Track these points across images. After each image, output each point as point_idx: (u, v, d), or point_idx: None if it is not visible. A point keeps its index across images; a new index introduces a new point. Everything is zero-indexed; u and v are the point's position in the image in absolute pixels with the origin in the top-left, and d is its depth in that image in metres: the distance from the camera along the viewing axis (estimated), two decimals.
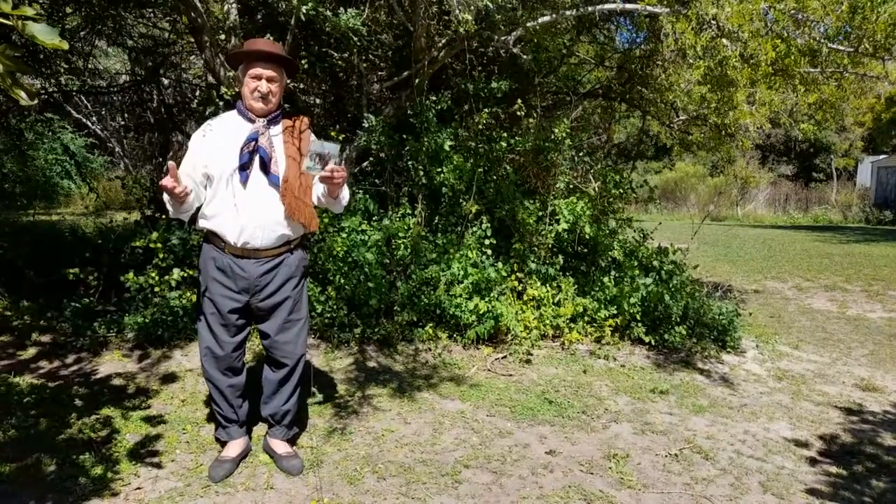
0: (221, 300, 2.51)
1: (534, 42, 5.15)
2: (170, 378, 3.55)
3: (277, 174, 2.45)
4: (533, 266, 4.71)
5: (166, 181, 2.22)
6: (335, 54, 4.80)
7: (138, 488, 2.46)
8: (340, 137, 4.58)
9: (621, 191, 5.30)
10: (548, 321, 4.54)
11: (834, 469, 2.96)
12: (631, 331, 4.68)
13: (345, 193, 2.59)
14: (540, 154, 4.99)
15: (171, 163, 2.23)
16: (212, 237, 2.51)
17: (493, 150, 4.87)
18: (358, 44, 4.29)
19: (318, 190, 2.57)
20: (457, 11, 3.85)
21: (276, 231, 2.48)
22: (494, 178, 4.87)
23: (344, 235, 4.28)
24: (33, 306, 4.40)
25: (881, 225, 19.37)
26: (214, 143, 2.46)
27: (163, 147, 6.68)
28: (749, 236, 13.70)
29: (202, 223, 2.51)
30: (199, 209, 2.51)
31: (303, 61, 4.53)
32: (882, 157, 23.65)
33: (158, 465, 2.64)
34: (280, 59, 2.49)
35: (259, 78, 2.45)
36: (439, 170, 4.65)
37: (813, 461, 3.04)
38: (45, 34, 1.27)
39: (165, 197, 2.36)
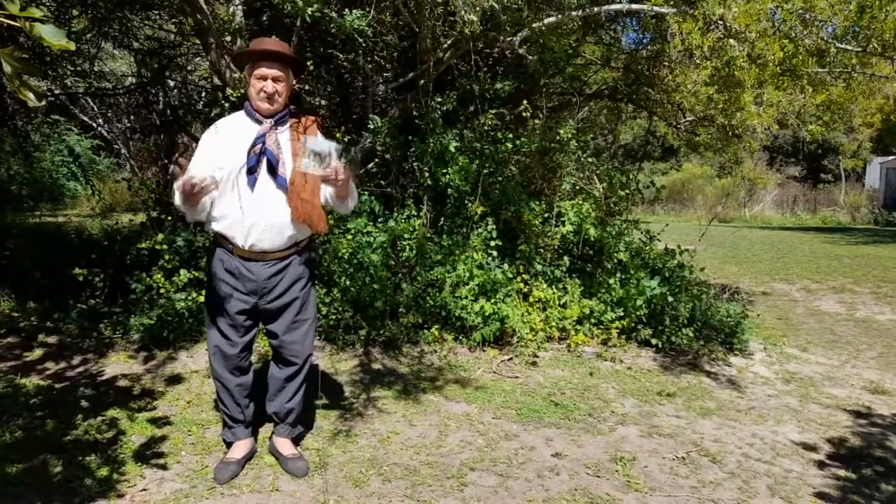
0: (230, 302, 2.51)
1: (539, 43, 5.13)
2: (175, 379, 3.56)
3: (285, 176, 2.44)
4: (539, 268, 4.70)
5: (186, 180, 2.20)
6: (341, 56, 4.80)
7: (144, 490, 2.46)
8: (346, 139, 4.57)
9: (627, 192, 5.28)
10: (554, 323, 4.52)
11: (842, 472, 2.93)
12: (637, 333, 4.66)
13: (353, 195, 2.58)
14: (545, 155, 4.97)
15: (176, 168, 2.21)
16: (220, 239, 2.51)
17: (498, 151, 4.86)
18: (363, 45, 4.29)
19: (327, 191, 2.56)
20: (462, 12, 3.84)
21: (283, 233, 2.47)
22: (500, 179, 4.86)
23: (349, 237, 4.28)
24: (39, 308, 4.42)
25: (890, 226, 19.19)
26: (223, 144, 2.46)
27: (168, 149, 6.70)
28: (757, 238, 13.63)
29: (210, 225, 2.51)
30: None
31: (308, 63, 4.54)
32: (891, 157, 23.45)
33: (164, 467, 2.64)
34: (286, 58, 2.48)
35: (265, 78, 2.43)
36: (445, 171, 4.64)
37: (821, 464, 3.02)
38: (52, 35, 1.27)
39: (178, 201, 2.35)
